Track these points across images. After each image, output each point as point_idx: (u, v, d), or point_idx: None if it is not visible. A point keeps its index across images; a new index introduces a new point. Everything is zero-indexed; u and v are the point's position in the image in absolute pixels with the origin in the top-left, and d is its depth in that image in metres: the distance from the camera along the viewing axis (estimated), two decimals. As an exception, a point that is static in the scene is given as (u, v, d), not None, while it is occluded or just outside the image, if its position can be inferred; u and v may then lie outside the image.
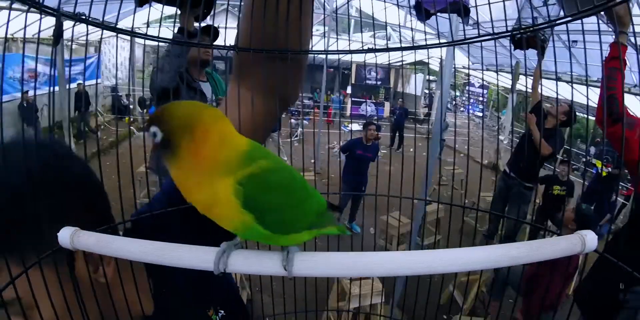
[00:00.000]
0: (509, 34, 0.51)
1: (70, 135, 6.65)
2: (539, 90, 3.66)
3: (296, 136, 9.86)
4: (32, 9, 0.42)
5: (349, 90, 15.89)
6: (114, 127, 8.96)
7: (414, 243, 3.55)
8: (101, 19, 0.49)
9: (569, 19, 0.45)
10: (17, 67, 6.12)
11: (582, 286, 2.13)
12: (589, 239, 0.41)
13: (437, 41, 0.57)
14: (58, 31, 0.45)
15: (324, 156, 7.51)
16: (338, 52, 0.60)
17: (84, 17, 0.47)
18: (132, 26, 0.54)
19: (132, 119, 10.07)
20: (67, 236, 0.40)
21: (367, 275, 0.41)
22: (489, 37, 0.53)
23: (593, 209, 3.81)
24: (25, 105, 6.60)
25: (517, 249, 0.42)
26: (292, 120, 10.46)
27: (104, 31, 0.49)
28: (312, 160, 5.86)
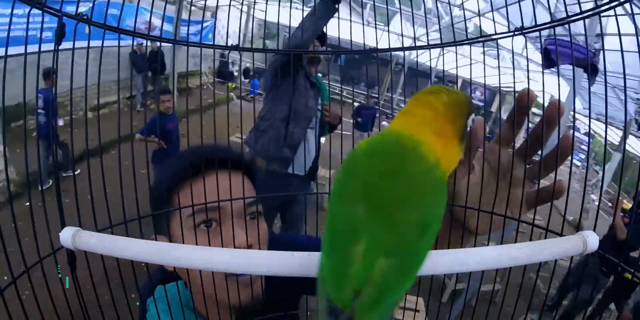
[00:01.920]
0: (511, 34, 0.51)
1: (175, 89, 7.03)
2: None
3: None
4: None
5: None
6: (216, 90, 9.26)
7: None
8: (103, 20, 0.49)
9: (579, 17, 0.45)
10: (133, 17, 6.75)
11: None
12: (590, 240, 0.41)
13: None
14: (60, 31, 0.45)
15: None
16: (337, 52, 0.60)
17: (85, 18, 0.47)
18: (135, 27, 0.54)
19: (234, 86, 10.41)
20: (68, 236, 0.40)
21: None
22: (490, 37, 0.53)
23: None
24: (137, 53, 7.82)
25: (518, 249, 0.42)
26: (384, 123, 10.39)
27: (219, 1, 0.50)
28: None
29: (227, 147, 0.76)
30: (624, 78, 0.46)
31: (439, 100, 0.36)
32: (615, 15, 0.42)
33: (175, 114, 4.37)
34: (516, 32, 0.49)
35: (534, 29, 0.47)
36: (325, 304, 0.33)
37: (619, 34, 0.41)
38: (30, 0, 0.43)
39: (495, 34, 0.51)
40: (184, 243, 0.63)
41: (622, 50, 0.40)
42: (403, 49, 0.61)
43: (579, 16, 0.45)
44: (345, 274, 0.32)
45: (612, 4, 0.42)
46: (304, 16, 2.05)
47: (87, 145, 0.47)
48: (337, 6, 1.91)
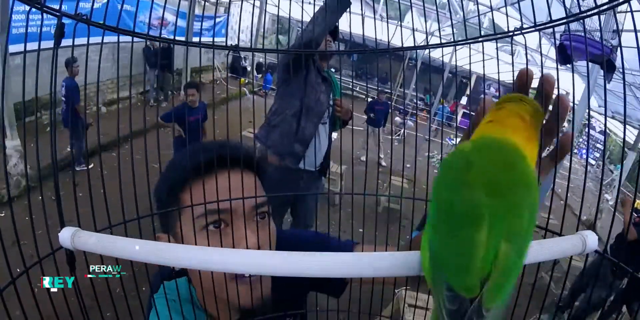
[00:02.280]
0: (511, 34, 0.51)
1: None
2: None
3: (398, 135, 9.48)
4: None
5: (463, 100, 14.65)
6: (229, 84, 9.38)
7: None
8: (103, 20, 0.49)
9: (580, 16, 0.45)
10: (147, 12, 6.75)
11: None
12: (590, 240, 0.41)
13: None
14: (59, 31, 0.45)
15: (420, 164, 7.24)
16: (330, 52, 0.60)
17: (85, 18, 0.47)
18: (134, 27, 0.54)
19: (247, 81, 10.48)
20: (67, 236, 0.40)
21: (369, 275, 0.41)
22: (492, 36, 0.53)
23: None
24: (151, 49, 7.53)
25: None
26: (397, 119, 10.25)
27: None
28: (408, 166, 5.68)
29: (234, 145, 0.74)
30: (623, 73, 0.46)
31: (524, 111, 0.41)
32: (615, 14, 0.41)
33: (205, 107, 4.46)
34: (516, 32, 0.49)
35: (534, 29, 0.47)
36: (446, 293, 0.33)
37: (618, 30, 0.41)
38: (30, 1, 0.43)
39: (495, 33, 0.50)
40: (183, 242, 0.62)
41: (620, 46, 0.40)
42: (403, 49, 0.61)
43: (580, 16, 0.45)
44: (470, 261, 0.33)
45: (612, 4, 0.42)
46: (316, 10, 2.02)
47: (86, 146, 0.48)
48: (349, 0, 1.90)
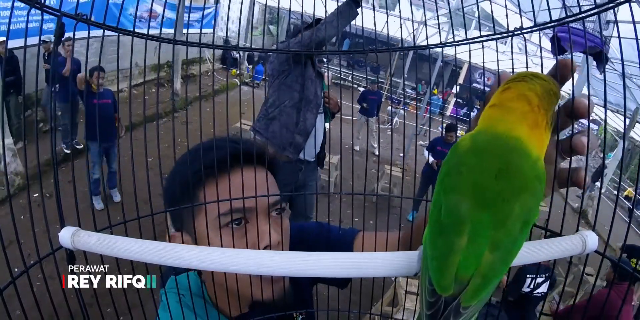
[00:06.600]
0: (511, 33, 0.51)
1: (179, 77, 7.11)
2: None
3: (390, 124, 9.52)
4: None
5: (454, 89, 14.63)
6: (220, 76, 9.43)
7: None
8: (103, 20, 0.49)
9: (579, 17, 0.45)
10: (135, 5, 6.44)
11: None
12: (590, 240, 0.41)
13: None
14: (59, 31, 0.45)
15: (413, 152, 7.32)
16: (326, 52, 0.60)
17: (85, 17, 0.47)
18: (134, 27, 0.54)
19: (239, 72, 10.48)
20: (67, 236, 0.40)
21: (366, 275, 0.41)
22: (491, 37, 0.53)
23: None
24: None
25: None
26: (390, 108, 10.21)
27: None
28: (401, 155, 5.69)
29: (251, 142, 0.73)
30: (622, 64, 0.46)
31: (533, 92, 0.37)
32: (615, 17, 0.42)
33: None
34: (515, 32, 0.49)
35: (534, 28, 0.47)
36: (428, 286, 0.36)
37: (617, 21, 0.41)
38: (30, 0, 0.43)
39: (495, 33, 0.51)
40: (209, 243, 0.61)
41: (619, 37, 0.40)
42: (403, 49, 0.61)
43: (580, 16, 0.45)
44: (446, 264, 0.35)
45: (613, 4, 0.42)
46: (328, 15, 2.12)
47: (71, 142, 0.47)
48: (358, 10, 1.99)
